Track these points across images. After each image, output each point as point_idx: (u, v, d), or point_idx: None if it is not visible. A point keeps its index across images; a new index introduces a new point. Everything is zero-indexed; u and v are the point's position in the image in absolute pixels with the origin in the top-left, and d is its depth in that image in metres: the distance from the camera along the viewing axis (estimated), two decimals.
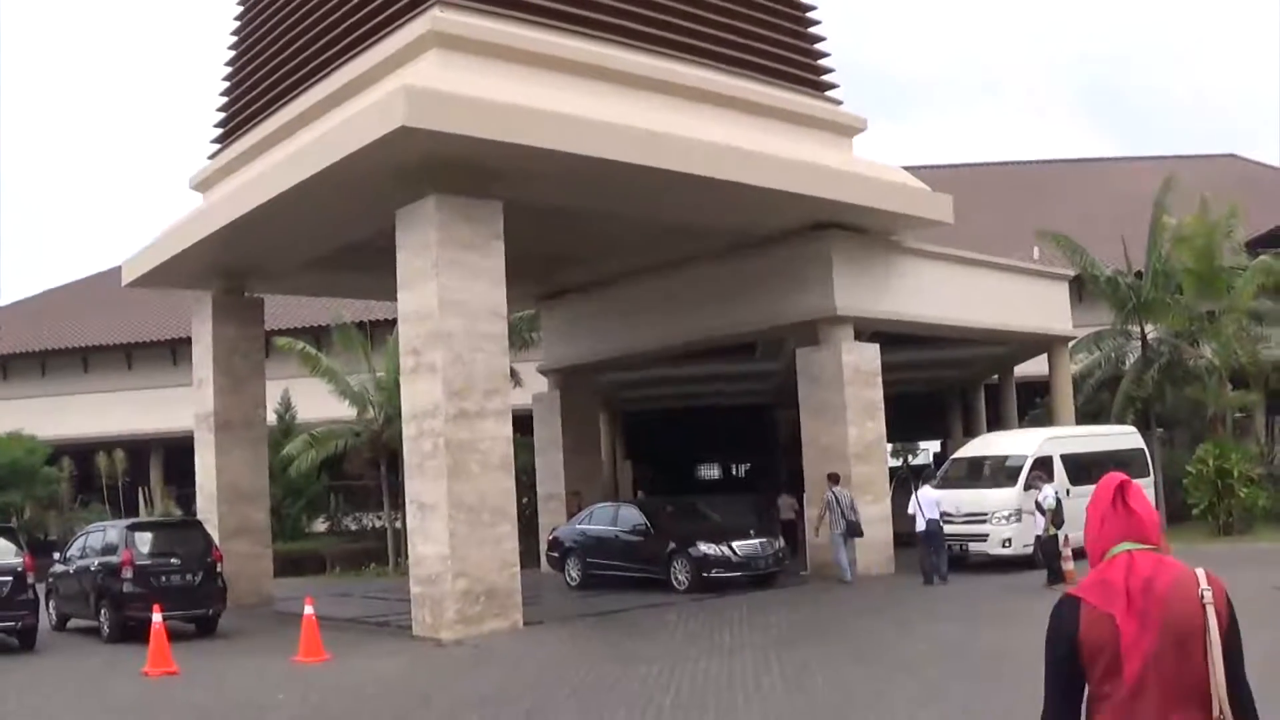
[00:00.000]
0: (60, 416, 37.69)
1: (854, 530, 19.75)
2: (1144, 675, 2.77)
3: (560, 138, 15.43)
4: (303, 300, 32.45)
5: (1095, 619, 2.84)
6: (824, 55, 21.04)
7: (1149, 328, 27.43)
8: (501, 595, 15.59)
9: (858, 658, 12.59)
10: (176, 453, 32.36)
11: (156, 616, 14.07)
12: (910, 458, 53.26)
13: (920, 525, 19.37)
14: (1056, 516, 17.92)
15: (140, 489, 36.27)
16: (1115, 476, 3.07)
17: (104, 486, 35.27)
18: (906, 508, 19.94)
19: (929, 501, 19.54)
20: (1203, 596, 2.82)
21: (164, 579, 16.91)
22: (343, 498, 33.47)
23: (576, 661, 13.19)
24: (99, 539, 18.17)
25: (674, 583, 19.59)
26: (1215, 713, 2.75)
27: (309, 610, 14.38)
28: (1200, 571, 2.91)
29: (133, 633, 15.90)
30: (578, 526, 22.29)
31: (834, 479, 19.98)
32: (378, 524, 31.35)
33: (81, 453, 36.22)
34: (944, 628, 14.62)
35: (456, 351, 15.54)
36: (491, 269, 15.96)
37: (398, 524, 26.23)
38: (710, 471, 49.95)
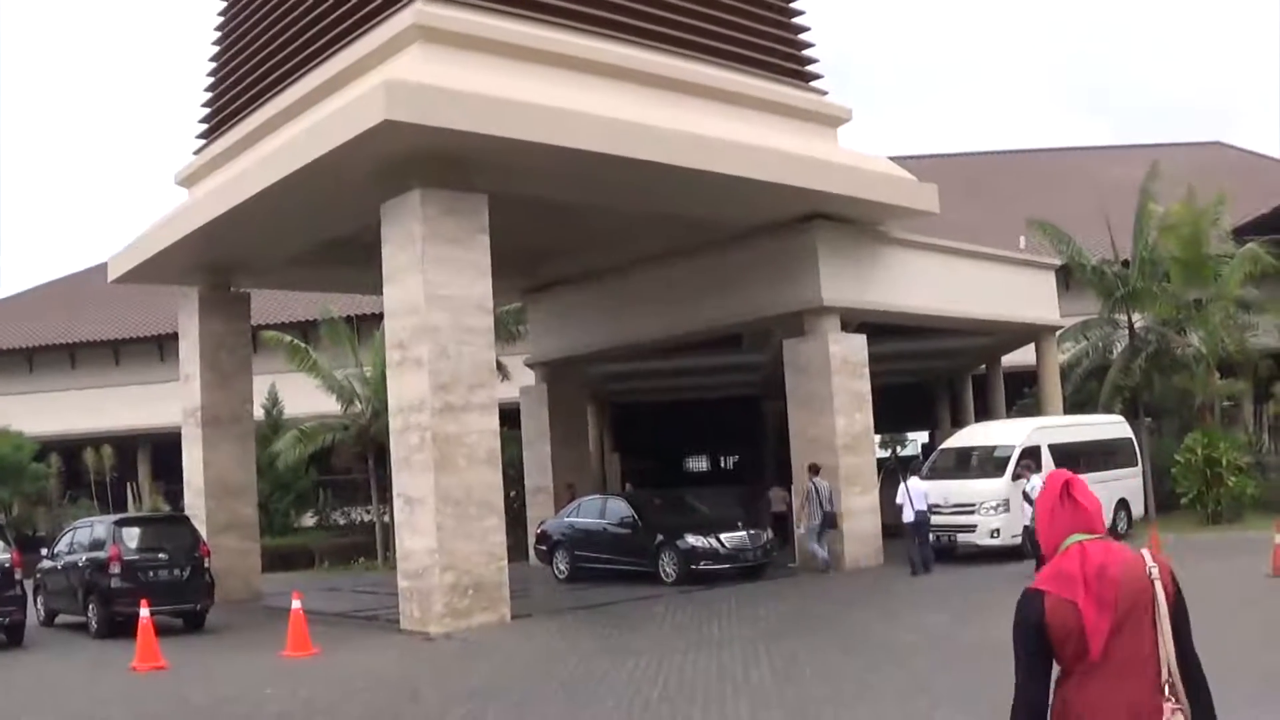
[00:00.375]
0: (48, 412, 37.49)
1: (829, 521, 19.78)
2: (1107, 651, 3.05)
3: (544, 130, 15.41)
4: (290, 294, 32.35)
5: (1058, 607, 3.10)
6: (808, 46, 21.01)
7: (1136, 316, 27.41)
8: (489, 588, 15.59)
9: (846, 649, 12.63)
10: (164, 448, 32.26)
11: (144, 612, 14.06)
12: (898, 449, 53.30)
13: (908, 516, 19.43)
14: None
15: (128, 484, 36.17)
16: (1060, 473, 3.35)
17: (92, 482, 35.22)
18: (894, 499, 19.99)
19: (917, 493, 19.60)
20: (1150, 574, 3.13)
21: (152, 574, 16.92)
22: (331, 492, 33.40)
23: (565, 654, 13.19)
24: (86, 534, 18.15)
25: (662, 575, 19.62)
26: (1164, 677, 3.06)
27: (297, 605, 14.43)
28: (1146, 553, 3.22)
29: (121, 628, 15.91)
30: (566, 519, 22.28)
31: (814, 470, 20.01)
32: (366, 518, 31.31)
33: (69, 449, 36.13)
34: (932, 618, 14.66)
35: (442, 345, 15.53)
36: (477, 262, 15.93)
37: (386, 518, 26.19)
38: (698, 463, 49.93)
